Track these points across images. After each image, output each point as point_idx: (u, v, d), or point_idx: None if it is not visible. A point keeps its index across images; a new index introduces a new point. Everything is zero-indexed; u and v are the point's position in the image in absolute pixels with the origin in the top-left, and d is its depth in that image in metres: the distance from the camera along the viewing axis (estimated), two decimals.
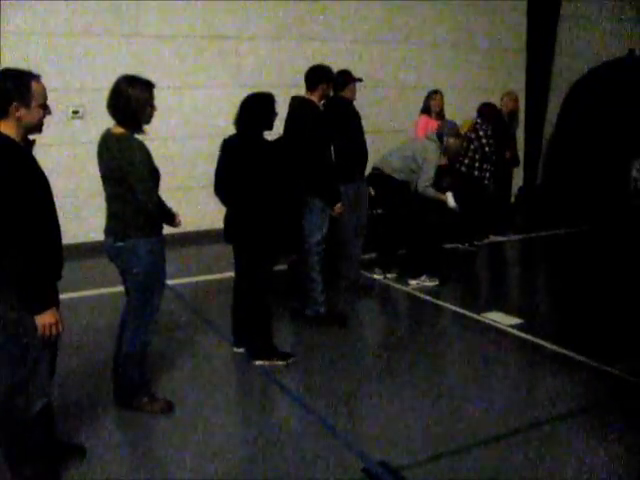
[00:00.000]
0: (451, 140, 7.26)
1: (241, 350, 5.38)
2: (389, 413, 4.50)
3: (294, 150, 5.61)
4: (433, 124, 8.56)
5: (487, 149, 8.70)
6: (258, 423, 4.48)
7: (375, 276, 7.45)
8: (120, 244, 4.13)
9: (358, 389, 4.96)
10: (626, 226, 8.84)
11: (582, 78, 11.23)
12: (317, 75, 5.91)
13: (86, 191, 8.04)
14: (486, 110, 8.93)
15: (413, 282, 7.26)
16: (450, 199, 7.37)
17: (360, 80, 6.60)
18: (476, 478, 3.72)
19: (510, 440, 4.13)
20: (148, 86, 4.08)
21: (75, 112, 8.45)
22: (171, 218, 4.40)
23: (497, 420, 4.36)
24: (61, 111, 8.05)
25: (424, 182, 7.09)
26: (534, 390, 4.88)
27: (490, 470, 3.79)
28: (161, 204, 4.28)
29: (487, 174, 8.76)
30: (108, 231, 4.23)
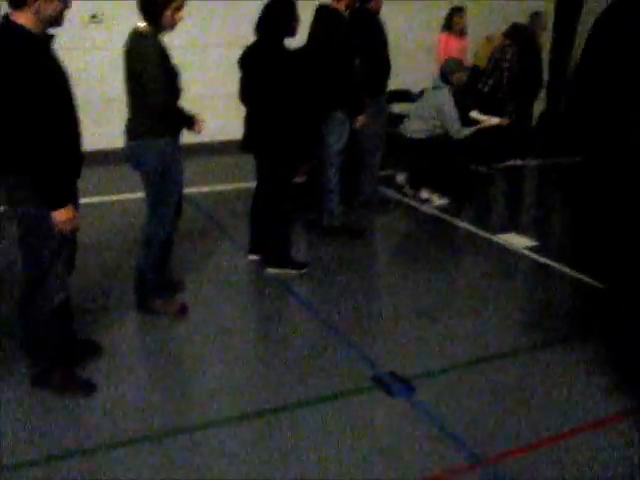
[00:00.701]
0: (456, 75, 7.16)
1: (256, 257, 5.42)
2: (400, 326, 4.56)
3: (318, 59, 5.51)
4: (453, 43, 8.37)
5: (511, 73, 8.51)
6: (272, 330, 4.57)
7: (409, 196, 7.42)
8: (132, 143, 4.18)
9: (370, 301, 5.01)
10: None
11: (614, 2, 10.86)
12: None
13: (104, 97, 8.00)
14: (516, 32, 8.69)
15: (425, 194, 7.29)
16: (480, 116, 7.56)
17: None
18: (481, 390, 3.78)
19: (515, 358, 4.19)
20: None
21: (93, 17, 8.32)
22: (190, 123, 4.31)
23: (505, 338, 4.41)
24: (79, 16, 7.93)
25: (455, 128, 7.06)
26: (545, 311, 4.88)
27: (492, 384, 3.85)
28: (176, 107, 4.22)
29: (509, 97, 8.60)
30: (125, 130, 4.26)
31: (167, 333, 4.40)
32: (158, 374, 3.96)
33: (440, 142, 7.16)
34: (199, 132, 4.38)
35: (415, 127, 7.22)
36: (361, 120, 5.89)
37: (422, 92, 8.42)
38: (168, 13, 4.00)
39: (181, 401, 3.65)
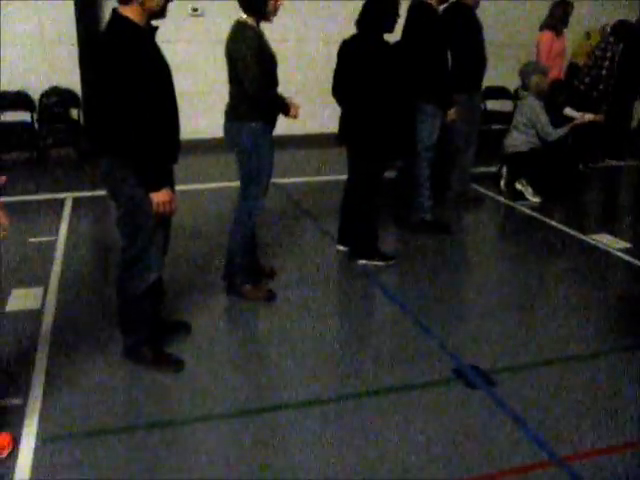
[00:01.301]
0: (534, 79, 7.10)
1: (344, 248, 5.51)
2: (485, 321, 4.56)
3: (410, 54, 5.55)
4: (557, 45, 8.09)
5: (610, 71, 8.28)
6: (356, 319, 4.63)
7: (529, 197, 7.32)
8: (229, 124, 4.42)
9: (455, 295, 5.03)
10: None
11: None
12: None
13: (202, 89, 8.24)
14: (622, 29, 8.44)
15: (519, 186, 7.26)
16: (574, 113, 7.51)
17: None
18: (563, 389, 3.75)
19: (600, 360, 4.12)
20: None
21: (195, 10, 8.57)
22: (286, 108, 4.46)
23: (592, 339, 4.35)
24: (181, 9, 8.19)
25: (547, 131, 7.07)
26: (635, 314, 4.78)
27: (574, 384, 3.81)
28: (272, 94, 4.39)
29: (605, 96, 8.39)
30: (225, 113, 4.48)
31: (253, 318, 4.55)
32: (243, 355, 4.11)
33: (540, 153, 7.17)
34: (295, 117, 4.51)
35: (515, 141, 7.26)
36: (451, 114, 5.89)
37: (517, 91, 8.34)
38: (271, 1, 4.19)
39: (264, 383, 3.77)
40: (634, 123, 10.07)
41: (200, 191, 7.14)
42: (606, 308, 4.83)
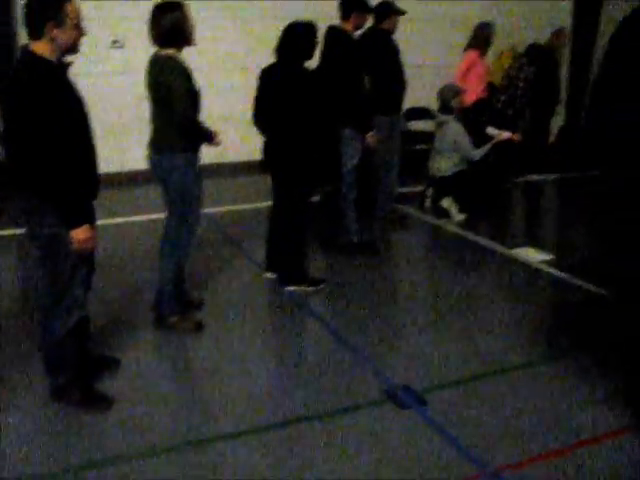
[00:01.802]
0: (455, 101, 7.34)
1: (273, 275, 5.50)
2: (415, 340, 4.61)
3: (329, 80, 5.62)
4: (481, 66, 8.31)
5: (524, 91, 8.58)
6: (287, 345, 4.64)
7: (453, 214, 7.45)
8: (158, 157, 4.38)
9: (385, 316, 5.05)
10: None
11: (631, 15, 10.89)
12: (350, 4, 5.87)
13: (125, 121, 8.17)
14: (534, 52, 8.78)
15: (444, 204, 7.39)
16: (495, 131, 7.74)
17: (402, 13, 6.52)
18: (492, 404, 3.81)
19: (528, 372, 4.20)
20: (179, 6, 4.24)
21: (115, 42, 8.51)
22: (210, 137, 4.51)
23: (519, 352, 4.43)
24: (101, 41, 8.13)
25: (471, 154, 7.31)
26: (559, 325, 4.91)
27: (504, 397, 3.88)
28: (198, 124, 4.40)
29: (521, 114, 8.67)
30: (149, 145, 4.46)
31: (183, 349, 4.50)
32: (175, 388, 4.07)
33: (464, 173, 7.35)
34: (218, 145, 4.57)
35: (442, 166, 7.41)
36: (370, 137, 5.97)
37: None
38: (185, 32, 4.24)
39: (196, 415, 3.72)
40: (551, 138, 10.39)
41: (128, 224, 7.04)
42: (532, 320, 4.93)
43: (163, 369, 4.32)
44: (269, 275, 5.54)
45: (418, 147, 9.48)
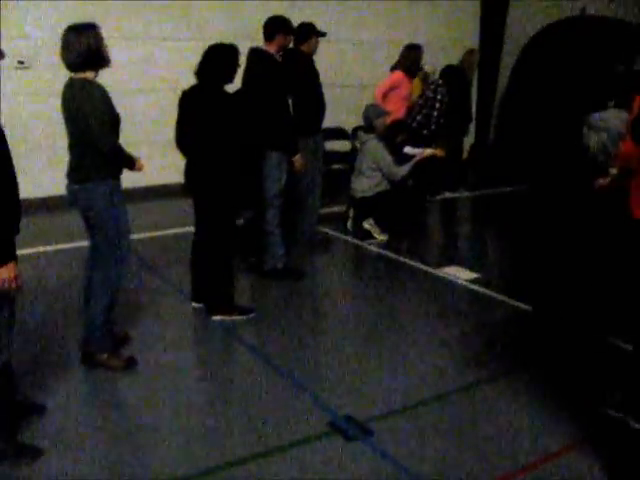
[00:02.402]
0: (378, 121, 7.34)
1: (200, 305, 5.31)
2: (351, 367, 4.51)
3: (252, 102, 5.51)
4: (407, 87, 8.39)
5: (440, 112, 8.71)
6: (221, 379, 4.45)
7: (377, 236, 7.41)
8: (78, 186, 4.14)
9: (319, 343, 4.97)
10: (575, 181, 8.91)
11: (535, 35, 11.25)
12: (274, 26, 5.82)
13: (33, 144, 7.82)
14: (450, 73, 8.96)
15: (367, 225, 7.35)
16: (414, 150, 7.80)
17: (323, 35, 6.47)
18: (435, 429, 3.75)
19: (466, 394, 4.17)
20: (93, 28, 4.05)
21: (21, 62, 8.16)
22: (131, 163, 4.30)
23: (455, 374, 4.40)
24: (6, 62, 7.76)
25: (394, 171, 7.28)
26: (490, 344, 4.88)
27: (445, 422, 3.84)
28: (120, 149, 4.20)
29: (437, 133, 8.80)
30: (69, 175, 4.22)
31: (114, 389, 4.25)
32: (106, 432, 3.80)
33: (386, 193, 7.34)
34: (140, 171, 4.37)
35: (363, 186, 7.36)
36: (298, 160, 5.89)
37: (356, 130, 8.53)
38: (100, 54, 4.05)
39: (128, 464, 3.48)
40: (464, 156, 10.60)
41: (46, 254, 6.69)
42: (464, 340, 4.92)
43: (92, 412, 4.04)
44: (196, 305, 5.34)
45: (335, 167, 9.51)
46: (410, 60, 8.43)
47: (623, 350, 4.42)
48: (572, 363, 4.52)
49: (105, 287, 4.27)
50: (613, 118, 5.73)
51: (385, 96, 8.21)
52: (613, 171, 5.18)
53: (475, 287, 5.96)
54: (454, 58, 9.61)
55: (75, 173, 4.18)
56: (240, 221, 6.18)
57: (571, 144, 6.34)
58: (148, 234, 7.25)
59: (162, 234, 7.34)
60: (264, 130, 5.55)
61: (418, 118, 8.69)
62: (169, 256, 6.67)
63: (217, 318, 5.14)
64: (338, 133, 10.05)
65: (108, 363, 4.36)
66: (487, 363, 4.55)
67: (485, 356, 4.67)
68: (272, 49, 5.78)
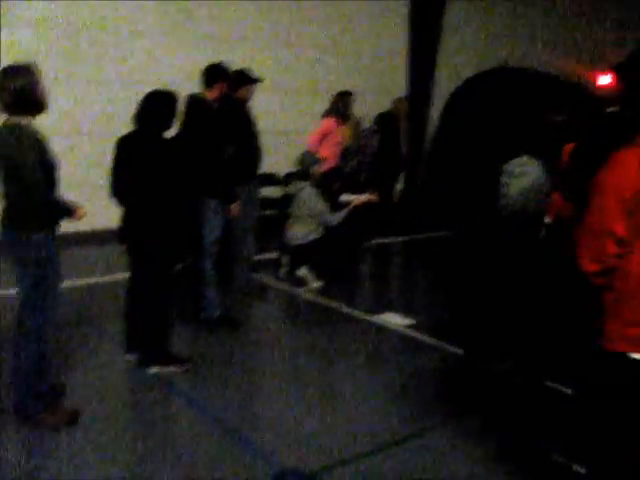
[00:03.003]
0: (314, 168, 7.45)
1: (134, 357, 5.15)
2: (291, 418, 4.43)
3: (189, 149, 5.45)
4: (337, 134, 8.47)
5: (373, 157, 8.84)
6: (161, 434, 4.29)
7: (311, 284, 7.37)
8: (10, 236, 4.00)
9: (257, 393, 4.89)
10: (497, 227, 9.10)
11: (461, 85, 11.56)
12: (214, 73, 5.82)
13: None
14: (383, 120, 9.11)
15: (300, 273, 7.33)
16: (350, 197, 7.78)
17: (258, 81, 6.48)
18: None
19: (408, 443, 4.14)
20: (29, 70, 3.94)
21: None
22: (71, 212, 4.14)
23: (397, 423, 4.37)
24: None
25: (329, 219, 7.32)
26: (429, 391, 4.87)
27: (388, 473, 3.80)
28: (55, 198, 4.06)
29: (372, 178, 8.90)
30: (3, 222, 4.07)
31: (52, 451, 4.00)
32: None
33: (320, 240, 7.35)
34: (80, 219, 4.20)
35: (298, 234, 7.36)
36: (235, 208, 5.85)
37: (288, 176, 8.56)
38: (36, 97, 3.93)
39: None
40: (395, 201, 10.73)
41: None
42: (403, 387, 4.91)
43: (25, 475, 3.82)
44: (130, 357, 5.17)
45: (266, 213, 9.47)
46: (341, 106, 8.52)
47: (563, 394, 4.47)
48: (512, 408, 4.54)
49: (35, 339, 4.08)
50: (530, 165, 5.90)
51: (319, 143, 8.26)
52: (547, 220, 5.34)
53: (410, 332, 5.99)
54: (382, 106, 9.77)
55: (8, 221, 4.03)
56: (177, 268, 6.06)
57: (489, 192, 6.52)
58: (79, 282, 7.03)
59: (93, 282, 7.13)
60: (201, 177, 5.48)
61: (352, 164, 8.78)
62: (101, 305, 6.47)
63: (153, 370, 4.99)
64: (269, 179, 10.04)
65: (47, 421, 4.14)
66: (427, 410, 4.55)
67: (425, 403, 4.66)
68: (211, 96, 5.76)
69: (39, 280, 4.02)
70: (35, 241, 3.95)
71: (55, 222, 4.10)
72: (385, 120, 9.23)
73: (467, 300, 6.70)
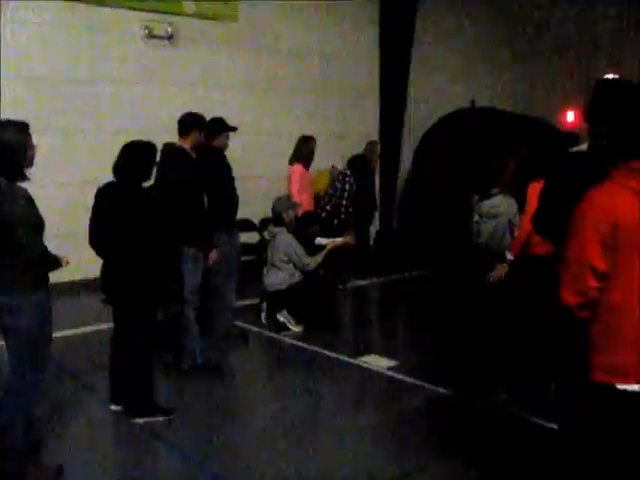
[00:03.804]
0: (289, 213, 7.46)
1: (119, 407, 5.10)
2: (277, 464, 4.39)
3: (167, 198, 5.46)
4: (307, 178, 8.59)
5: (349, 200, 8.93)
6: None
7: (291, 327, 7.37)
8: (5, 299, 3.84)
9: (240, 439, 4.85)
10: (472, 265, 9.19)
11: (432, 127, 11.73)
12: (189, 122, 5.87)
13: None
14: (357, 162, 9.24)
15: (281, 318, 7.33)
16: (325, 240, 7.83)
17: (233, 130, 6.56)
18: None
19: None
20: (22, 129, 3.91)
21: None
22: (57, 263, 4.07)
23: (380, 467, 4.35)
24: None
25: (305, 262, 7.35)
26: (415, 433, 4.84)
27: None
28: (45, 253, 3.99)
29: (347, 221, 8.98)
30: None
31: None
32: None
33: (298, 285, 7.36)
34: (67, 265, 4.13)
35: (276, 279, 7.38)
36: (214, 255, 5.87)
37: (263, 221, 8.61)
38: (25, 156, 3.87)
39: None
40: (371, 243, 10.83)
41: None
42: (388, 430, 4.93)
43: None
44: (115, 407, 5.12)
45: (243, 259, 9.48)
46: (305, 152, 8.57)
47: (548, 429, 4.50)
48: (497, 447, 4.56)
49: (22, 402, 4.00)
50: (503, 204, 6.04)
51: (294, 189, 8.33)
52: (509, 256, 5.43)
53: (393, 374, 5.99)
54: (356, 149, 9.90)
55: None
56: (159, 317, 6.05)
57: (462, 231, 6.65)
58: (61, 332, 6.96)
59: (73, 333, 7.05)
60: (180, 226, 5.48)
61: (328, 208, 8.86)
62: (84, 356, 6.41)
63: (138, 420, 4.95)
64: (245, 225, 10.07)
65: (33, 478, 4.04)
66: (412, 452, 4.54)
67: (409, 445, 4.66)
68: (186, 144, 5.82)
69: (34, 342, 3.92)
70: (35, 301, 3.87)
71: (47, 280, 4.02)
72: (356, 163, 9.33)
73: (452, 337, 6.75)
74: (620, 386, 2.64)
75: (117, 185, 4.91)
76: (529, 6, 12.14)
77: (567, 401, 3.01)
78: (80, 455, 4.50)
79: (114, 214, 4.85)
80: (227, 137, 6.53)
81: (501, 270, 5.47)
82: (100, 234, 4.94)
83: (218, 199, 6.23)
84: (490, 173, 6.41)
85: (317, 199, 9.08)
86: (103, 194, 4.96)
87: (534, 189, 5.55)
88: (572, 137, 7.46)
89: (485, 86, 12.16)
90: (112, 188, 4.93)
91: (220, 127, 6.45)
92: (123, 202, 4.84)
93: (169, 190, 5.55)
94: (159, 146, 5.58)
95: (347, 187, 8.93)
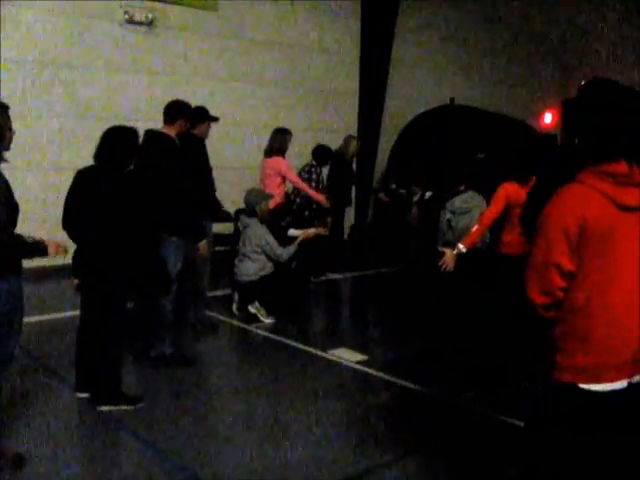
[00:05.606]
0: (264, 206, 7.42)
1: (85, 395, 5.07)
2: (239, 453, 4.40)
3: (149, 185, 5.36)
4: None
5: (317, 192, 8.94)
6: (111, 472, 4.22)
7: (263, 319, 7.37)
8: None
9: (207, 429, 4.85)
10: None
11: (410, 123, 11.77)
12: (177, 110, 5.83)
13: None
14: (320, 152, 9.18)
15: (252, 309, 7.32)
16: (297, 232, 7.87)
17: (215, 119, 6.52)
18: None
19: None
20: (1, 110, 3.82)
21: None
22: (42, 250, 3.96)
23: (348, 461, 4.35)
24: None
25: (278, 253, 7.32)
26: (383, 427, 4.86)
27: None
28: (17, 239, 3.88)
29: (318, 213, 8.99)
30: None
31: None
32: None
33: (270, 277, 7.36)
34: (56, 255, 4.06)
35: (248, 270, 7.35)
36: (203, 245, 5.85)
37: (238, 212, 8.57)
38: (4, 137, 3.81)
39: None
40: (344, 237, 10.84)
41: None
42: (356, 424, 4.95)
43: None
44: (81, 395, 5.09)
45: (216, 249, 9.46)
46: (280, 144, 8.51)
47: (515, 426, 4.53)
48: (463, 443, 4.59)
49: None
50: (474, 201, 6.13)
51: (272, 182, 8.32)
52: (462, 247, 5.46)
53: (363, 368, 6.00)
54: (335, 144, 9.88)
55: None
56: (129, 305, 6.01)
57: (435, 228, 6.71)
58: (28, 319, 6.89)
59: (41, 319, 6.99)
60: (162, 215, 5.41)
61: (297, 200, 8.85)
62: (51, 343, 6.35)
63: (104, 408, 4.92)
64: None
65: None
66: (380, 447, 4.55)
67: (378, 439, 4.66)
68: (172, 132, 5.76)
69: (4, 329, 3.88)
70: (8, 288, 3.81)
71: (19, 266, 3.93)
72: (320, 152, 9.25)
73: (423, 333, 6.79)
74: (582, 385, 2.66)
75: (97, 169, 4.85)
76: (511, 8, 12.23)
77: (535, 399, 3.02)
78: (44, 443, 4.44)
79: (91, 198, 4.77)
80: (209, 126, 6.50)
81: (450, 257, 5.45)
82: (73, 216, 4.88)
83: (201, 188, 6.18)
84: (460, 170, 6.49)
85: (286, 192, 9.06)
86: (82, 177, 4.89)
87: (504, 190, 5.61)
88: (549, 138, 7.54)
89: (466, 86, 12.23)
90: (92, 172, 4.87)
91: (203, 116, 6.43)
92: (101, 186, 4.77)
93: (154, 178, 5.44)
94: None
95: (314, 177, 8.91)
